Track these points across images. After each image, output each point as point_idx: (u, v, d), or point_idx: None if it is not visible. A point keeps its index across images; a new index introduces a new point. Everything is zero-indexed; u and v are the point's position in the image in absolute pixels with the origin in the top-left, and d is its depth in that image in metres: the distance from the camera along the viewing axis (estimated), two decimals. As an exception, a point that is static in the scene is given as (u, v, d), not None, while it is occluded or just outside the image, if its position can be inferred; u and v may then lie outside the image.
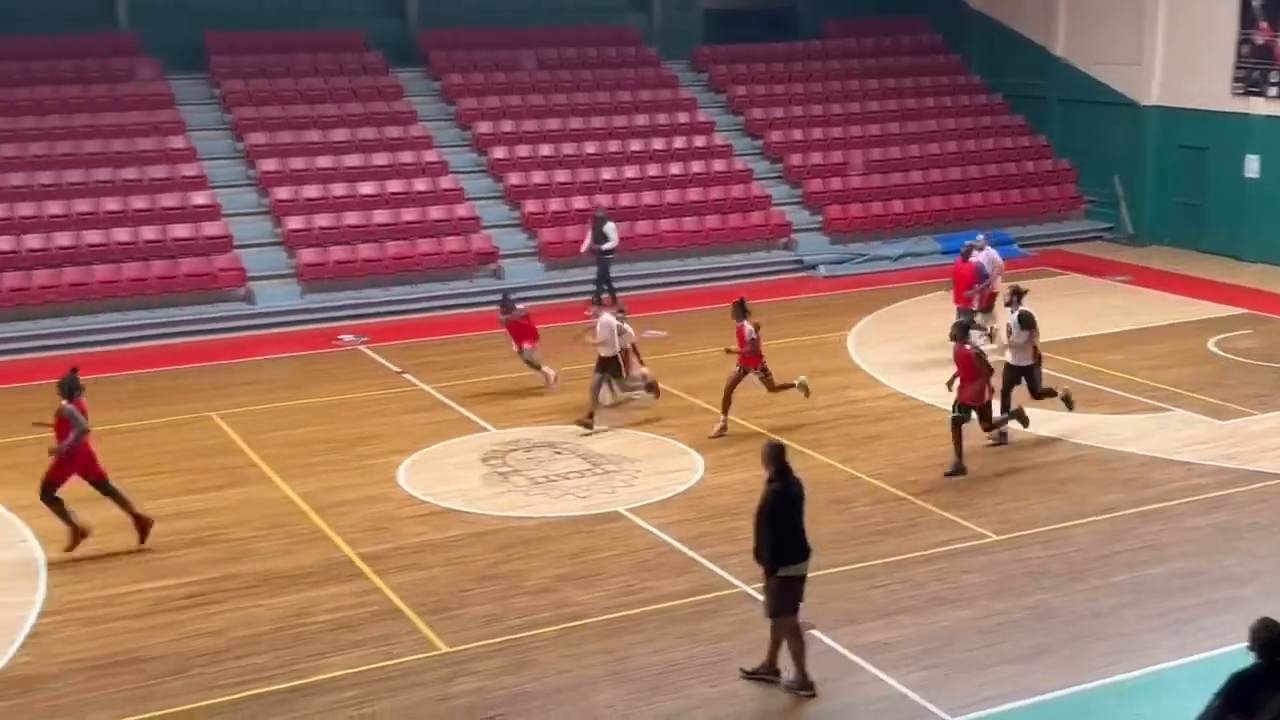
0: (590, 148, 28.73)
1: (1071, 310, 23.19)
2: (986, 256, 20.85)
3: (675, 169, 28.80)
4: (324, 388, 19.67)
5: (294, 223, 25.43)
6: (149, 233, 24.32)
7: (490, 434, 17.20)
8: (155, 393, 19.52)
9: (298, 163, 26.64)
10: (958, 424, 15.33)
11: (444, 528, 14.17)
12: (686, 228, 27.53)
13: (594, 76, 30.68)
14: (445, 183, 27.13)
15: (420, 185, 26.82)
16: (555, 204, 27.16)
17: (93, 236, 24.01)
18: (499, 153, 28.22)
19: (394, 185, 26.65)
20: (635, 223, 27.24)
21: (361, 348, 21.98)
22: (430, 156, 27.58)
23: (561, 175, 27.94)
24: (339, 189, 26.31)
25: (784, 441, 10.96)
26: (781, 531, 10.38)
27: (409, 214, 26.12)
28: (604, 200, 27.44)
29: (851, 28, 34.26)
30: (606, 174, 28.24)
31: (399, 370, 19.76)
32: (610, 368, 17.28)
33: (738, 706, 10.53)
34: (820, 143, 30.60)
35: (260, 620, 12.05)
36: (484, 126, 28.74)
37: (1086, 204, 30.89)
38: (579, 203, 27.22)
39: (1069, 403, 16.73)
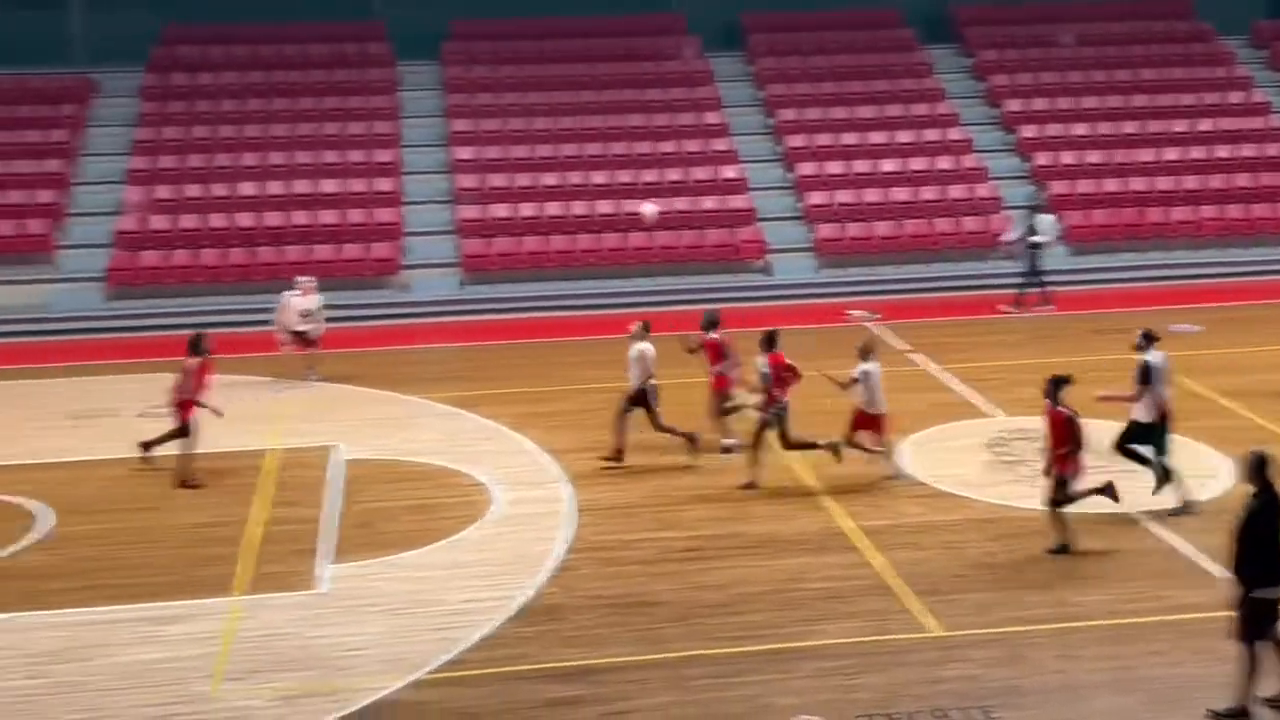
0: (1128, 127, 27.20)
1: None
2: None
3: (1222, 152, 26.68)
4: (830, 363, 19.88)
5: (815, 198, 25.93)
6: (680, 203, 25.68)
7: (997, 420, 16.79)
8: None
9: (823, 139, 27.13)
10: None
11: (942, 510, 14.03)
12: (1230, 215, 25.43)
13: (1143, 51, 29.00)
14: (968, 161, 26.65)
15: (943, 164, 26.52)
16: (1084, 185, 25.96)
17: (630, 206, 25.67)
18: (1028, 131, 27.33)
19: (916, 163, 26.51)
20: (1171, 209, 25.56)
21: (871, 324, 22.06)
22: (955, 134, 27.18)
23: (1094, 156, 26.66)
24: (861, 165, 26.53)
25: (1266, 453, 9.88)
26: (1263, 549, 9.48)
27: (928, 192, 25.93)
28: (1138, 184, 25.95)
29: None
30: (1144, 155, 26.68)
31: (909, 349, 19.72)
32: (639, 401, 15.43)
33: (1255, 735, 9.69)
34: (1400, 125, 27.27)
35: (759, 580, 12.45)
36: (1014, 104, 27.93)
37: None
38: (1110, 185, 25.88)
39: (1169, 477, 13.51)
